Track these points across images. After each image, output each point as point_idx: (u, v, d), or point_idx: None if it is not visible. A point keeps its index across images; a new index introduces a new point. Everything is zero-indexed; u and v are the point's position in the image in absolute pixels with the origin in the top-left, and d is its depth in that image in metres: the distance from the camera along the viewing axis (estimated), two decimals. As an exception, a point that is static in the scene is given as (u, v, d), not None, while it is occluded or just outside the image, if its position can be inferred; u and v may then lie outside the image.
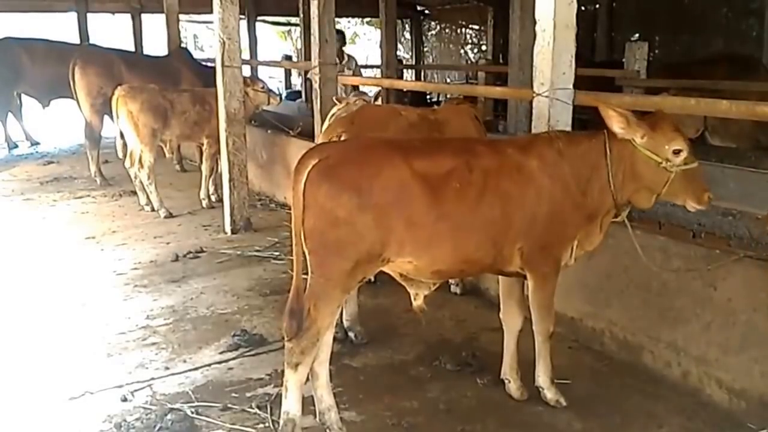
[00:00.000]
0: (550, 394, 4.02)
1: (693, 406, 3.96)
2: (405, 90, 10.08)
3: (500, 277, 4.05)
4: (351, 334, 4.90)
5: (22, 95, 12.63)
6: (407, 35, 19.81)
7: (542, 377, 4.03)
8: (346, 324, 4.91)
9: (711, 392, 3.95)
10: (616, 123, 3.62)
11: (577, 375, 4.37)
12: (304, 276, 3.52)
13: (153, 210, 8.42)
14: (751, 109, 3.78)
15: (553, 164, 3.69)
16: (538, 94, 4.70)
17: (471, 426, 3.85)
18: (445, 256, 3.62)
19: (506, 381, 4.13)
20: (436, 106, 5.94)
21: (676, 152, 3.54)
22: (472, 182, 3.55)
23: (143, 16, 15.15)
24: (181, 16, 16.70)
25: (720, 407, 3.91)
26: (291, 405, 3.54)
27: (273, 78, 21.11)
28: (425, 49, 19.42)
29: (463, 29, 18.30)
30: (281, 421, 3.57)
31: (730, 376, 3.84)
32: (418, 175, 3.46)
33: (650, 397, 4.10)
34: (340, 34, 10.42)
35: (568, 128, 4.67)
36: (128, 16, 15.31)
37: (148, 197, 8.48)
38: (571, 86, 4.64)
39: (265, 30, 22.68)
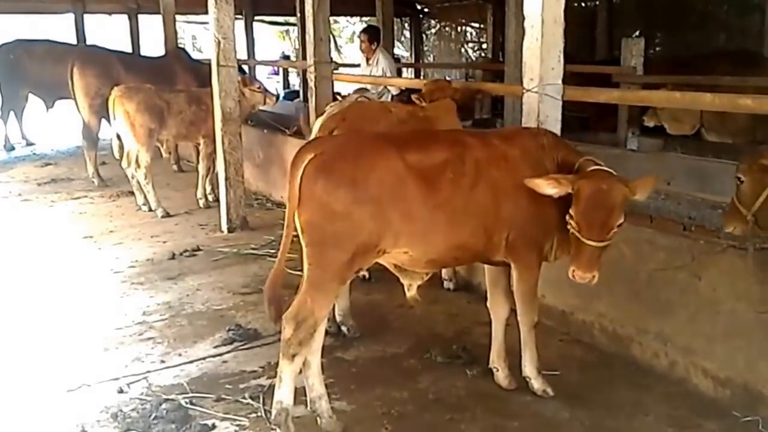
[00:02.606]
0: (537, 383, 4.16)
1: (679, 396, 4.09)
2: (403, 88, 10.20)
3: (486, 267, 4.20)
4: (344, 329, 5.04)
5: (29, 95, 12.82)
6: (407, 34, 19.97)
7: (529, 367, 4.17)
8: (338, 318, 5.05)
9: (697, 381, 4.08)
10: (547, 190, 3.62)
11: (566, 366, 4.50)
12: (299, 271, 3.66)
13: (150, 210, 8.57)
14: (732, 102, 3.91)
15: (535, 156, 3.85)
16: (528, 90, 4.82)
17: (459, 414, 3.99)
18: (439, 244, 3.77)
19: (494, 370, 4.28)
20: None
21: (569, 216, 3.57)
22: (464, 172, 3.71)
23: (140, 16, 15.32)
24: (179, 18, 16.90)
25: (706, 396, 4.04)
26: (284, 395, 3.67)
27: (271, 78, 21.32)
28: (425, 48, 19.57)
29: (463, 27, 18.46)
30: (274, 411, 3.70)
31: (715, 365, 3.97)
32: (412, 167, 3.61)
33: (638, 387, 4.22)
34: (374, 30, 10.23)
35: (558, 123, 4.80)
36: (125, 17, 15.48)
37: (145, 197, 8.62)
38: (560, 81, 4.76)
39: (264, 30, 22.90)
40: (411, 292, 4.04)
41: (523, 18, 4.83)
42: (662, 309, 4.21)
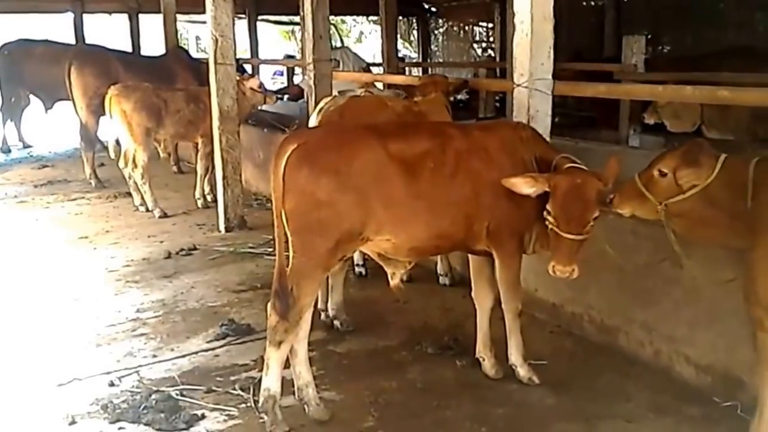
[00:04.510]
0: (523, 371, 4.40)
1: (662, 383, 4.33)
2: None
3: (470, 258, 4.45)
4: (336, 323, 5.28)
5: (29, 97, 13.11)
6: (415, 33, 20.27)
7: (515, 355, 4.41)
8: (331, 313, 5.29)
9: (680, 369, 4.32)
10: (525, 189, 3.86)
11: (555, 357, 4.75)
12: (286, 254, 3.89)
13: (147, 210, 8.81)
14: (711, 94, 4.13)
15: (514, 147, 4.12)
16: (518, 85, 5.07)
17: (445, 402, 4.23)
18: (421, 232, 4.01)
19: (481, 359, 4.52)
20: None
21: (547, 211, 3.84)
22: (445, 162, 3.97)
23: (141, 16, 15.62)
24: (184, 18, 17.19)
25: (688, 383, 4.28)
26: (272, 382, 3.89)
27: (275, 79, 21.60)
28: (433, 48, 19.86)
29: (471, 27, 18.76)
30: (261, 398, 3.93)
31: (697, 352, 4.21)
32: (394, 156, 3.86)
33: (623, 375, 4.47)
34: None
35: (548, 117, 5.06)
36: (125, 16, 15.78)
37: (142, 197, 8.85)
38: (549, 76, 5.02)
39: (270, 30, 23.25)
40: (394, 281, 4.28)
41: (513, 14, 5.08)
42: (647, 298, 4.46)
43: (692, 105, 7.15)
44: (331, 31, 9.61)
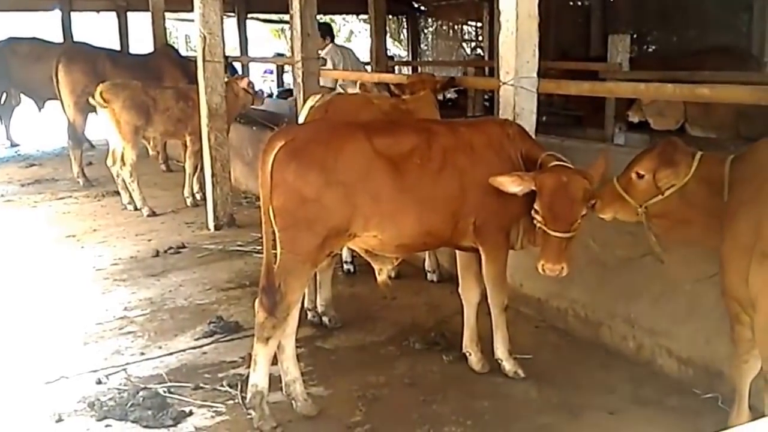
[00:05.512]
0: (508, 365, 4.47)
1: (645, 376, 4.42)
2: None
3: (458, 253, 4.51)
4: (325, 319, 5.33)
5: (20, 96, 13.09)
6: (404, 32, 20.35)
7: (500, 349, 4.48)
8: (320, 309, 5.35)
9: (662, 362, 4.40)
10: (511, 188, 3.92)
11: (540, 351, 4.83)
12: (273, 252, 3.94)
13: (136, 209, 8.82)
14: (692, 91, 4.23)
15: (500, 144, 4.18)
16: (504, 83, 5.14)
17: (432, 396, 4.30)
18: (408, 228, 4.07)
19: (468, 354, 4.59)
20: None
21: (535, 210, 3.90)
22: (431, 158, 4.03)
23: (129, 14, 15.61)
24: (172, 16, 17.18)
25: (670, 376, 4.36)
26: (259, 378, 3.94)
27: (265, 77, 21.65)
28: (423, 46, 19.94)
29: (460, 26, 18.86)
30: (249, 394, 3.98)
31: (678, 346, 4.29)
32: (381, 152, 3.92)
33: (606, 368, 4.55)
34: (325, 26, 10.61)
35: (533, 115, 5.14)
36: (114, 14, 15.77)
37: (130, 196, 8.87)
38: (535, 74, 5.10)
39: (261, 29, 23.28)
40: (382, 277, 4.34)
41: (499, 13, 5.15)
42: (630, 292, 4.55)
43: (676, 103, 7.25)
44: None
